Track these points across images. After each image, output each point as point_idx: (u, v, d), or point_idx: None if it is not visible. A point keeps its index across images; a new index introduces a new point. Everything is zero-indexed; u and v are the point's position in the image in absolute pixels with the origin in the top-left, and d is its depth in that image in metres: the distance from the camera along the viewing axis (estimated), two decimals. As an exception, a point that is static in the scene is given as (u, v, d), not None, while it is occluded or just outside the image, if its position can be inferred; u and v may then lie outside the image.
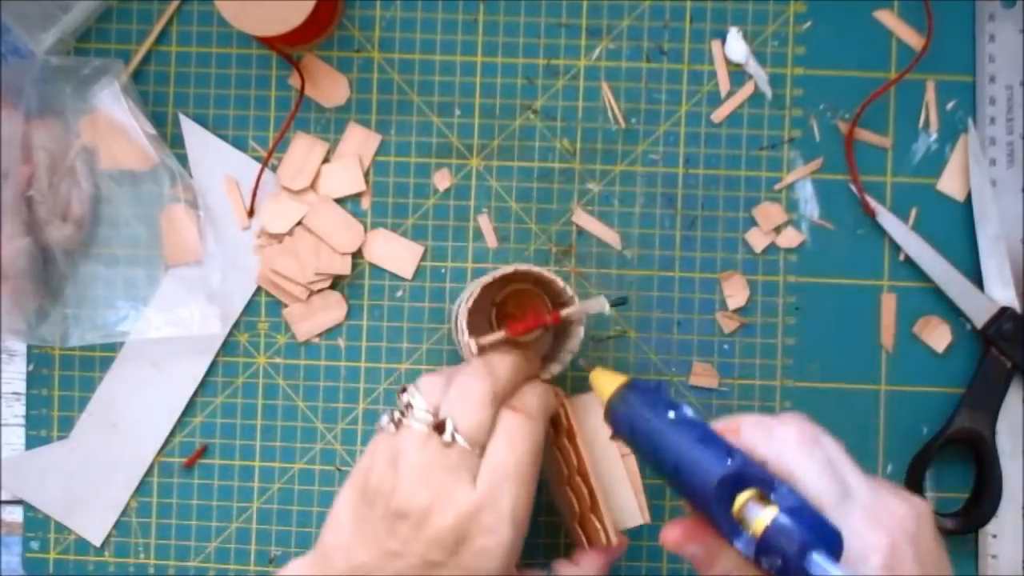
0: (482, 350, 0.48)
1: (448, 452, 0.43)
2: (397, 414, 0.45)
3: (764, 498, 0.37)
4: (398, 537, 0.42)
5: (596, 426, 0.49)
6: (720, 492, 0.37)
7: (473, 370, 0.45)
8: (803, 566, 0.34)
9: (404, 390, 0.45)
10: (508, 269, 0.49)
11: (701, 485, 0.38)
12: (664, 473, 0.40)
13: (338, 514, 0.44)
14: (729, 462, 0.38)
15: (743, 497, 0.37)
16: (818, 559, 0.34)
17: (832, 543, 0.35)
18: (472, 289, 0.50)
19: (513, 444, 0.44)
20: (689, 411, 0.41)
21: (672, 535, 0.40)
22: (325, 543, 0.44)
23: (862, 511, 0.38)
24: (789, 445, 0.40)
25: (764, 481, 0.37)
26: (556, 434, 0.51)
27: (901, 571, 0.37)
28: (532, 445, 0.44)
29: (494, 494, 0.43)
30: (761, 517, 0.36)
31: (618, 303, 0.51)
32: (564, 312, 0.49)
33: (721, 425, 0.41)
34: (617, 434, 0.44)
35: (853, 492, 0.39)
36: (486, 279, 0.49)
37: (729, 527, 0.37)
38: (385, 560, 0.43)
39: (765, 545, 0.35)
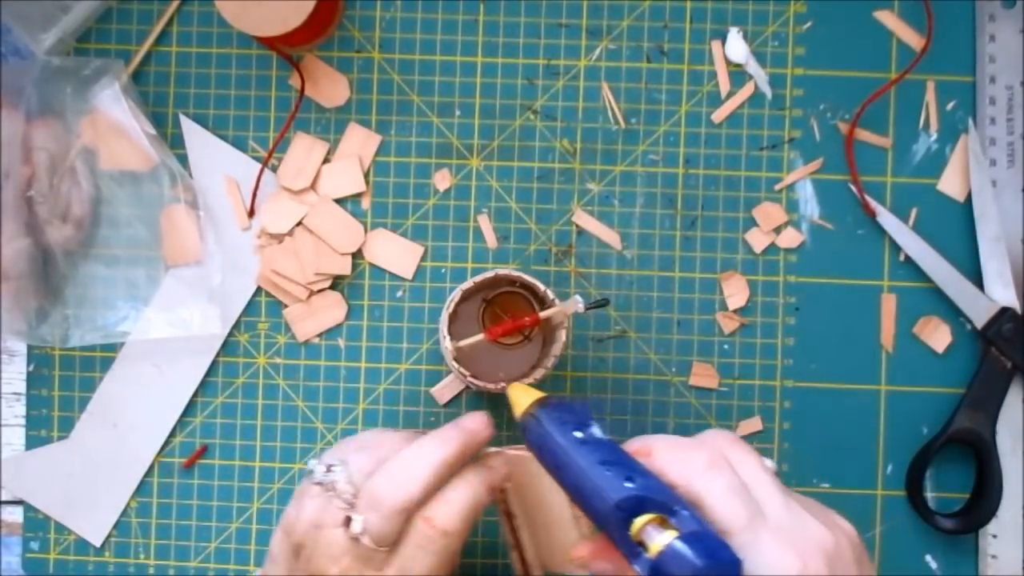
0: (459, 352, 0.48)
1: (358, 545, 0.43)
2: (326, 477, 0.45)
3: (666, 522, 0.37)
4: None
5: (541, 487, 0.47)
6: (618, 515, 0.37)
7: (389, 474, 0.44)
8: None
9: (330, 468, 0.45)
10: (489, 274, 0.50)
11: (600, 507, 0.38)
12: (568, 493, 0.40)
13: (273, 552, 0.46)
14: (629, 485, 0.37)
15: (640, 521, 0.37)
16: None
17: (730, 569, 0.35)
18: (454, 295, 0.50)
19: (421, 557, 0.43)
20: (598, 431, 0.41)
21: (581, 552, 0.41)
22: (267, 572, 0.47)
23: (773, 535, 0.38)
24: (698, 468, 0.40)
25: (664, 505, 0.37)
26: (498, 510, 0.50)
27: None
28: (443, 559, 0.43)
29: None
30: (657, 541, 0.35)
31: (597, 305, 0.51)
32: (542, 314, 0.49)
33: (635, 446, 0.41)
34: (530, 451, 0.44)
35: (767, 516, 0.39)
36: (467, 284, 0.49)
37: (628, 549, 0.37)
38: None
39: (659, 570, 0.35)
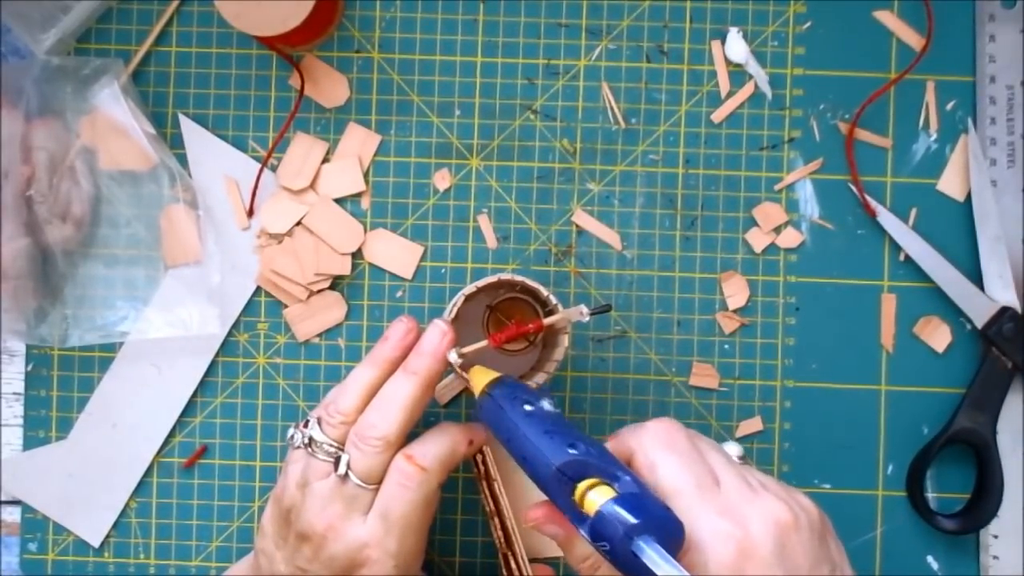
0: (464, 359, 0.48)
1: (345, 486, 0.46)
2: (307, 437, 0.48)
3: (609, 488, 0.37)
4: (303, 556, 0.47)
5: None
6: (560, 479, 0.38)
7: (369, 418, 0.47)
8: (631, 551, 0.34)
9: (307, 424, 0.48)
10: (492, 279, 0.49)
11: (544, 472, 0.39)
12: (518, 463, 0.41)
13: (264, 524, 0.49)
14: (572, 452, 0.38)
15: (583, 485, 0.37)
16: (644, 545, 0.34)
17: (669, 531, 0.35)
18: (456, 299, 0.50)
19: (401, 494, 0.46)
20: (548, 405, 0.43)
21: (534, 514, 0.42)
22: (257, 546, 0.50)
23: (722, 503, 0.39)
24: (657, 437, 0.42)
25: (606, 471, 0.38)
26: (476, 476, 0.52)
27: (755, 562, 0.37)
28: (421, 496, 0.46)
29: (380, 534, 0.46)
30: (594, 502, 0.36)
31: (600, 311, 0.51)
32: (546, 320, 0.49)
33: (609, 439, 0.43)
34: (484, 426, 0.47)
35: (722, 486, 0.40)
36: (469, 289, 0.49)
37: (572, 513, 0.38)
38: (295, 573, 0.47)
39: (595, 530, 0.36)
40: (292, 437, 0.49)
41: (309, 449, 0.47)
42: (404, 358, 0.48)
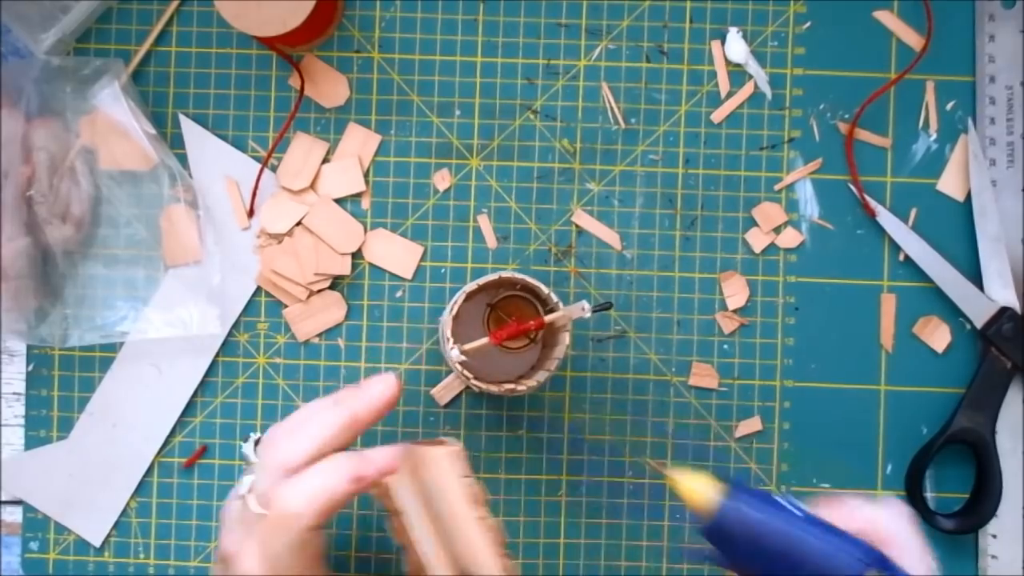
0: (466, 355, 0.48)
1: (246, 510, 0.43)
2: (245, 453, 0.46)
3: None
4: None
5: (445, 486, 0.45)
6: None
7: (277, 433, 0.44)
8: None
9: (247, 439, 0.46)
10: (492, 277, 0.49)
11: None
12: (785, 570, 0.38)
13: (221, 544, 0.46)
14: (863, 557, 0.37)
15: None
16: None
17: None
18: (457, 297, 0.50)
19: (271, 533, 0.42)
20: (802, 503, 0.40)
21: None
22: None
23: None
24: (902, 515, 0.41)
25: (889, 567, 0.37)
26: (387, 512, 0.48)
27: None
28: (288, 540, 0.41)
29: (256, 572, 0.42)
30: None
31: (601, 308, 0.51)
32: (547, 318, 0.49)
33: (824, 504, 0.41)
34: (721, 547, 0.40)
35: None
36: (470, 287, 0.49)
37: None
38: None
39: None
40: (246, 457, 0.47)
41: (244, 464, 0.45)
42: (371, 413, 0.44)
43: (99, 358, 0.58)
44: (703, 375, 0.57)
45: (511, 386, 0.50)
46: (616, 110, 0.58)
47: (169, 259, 0.57)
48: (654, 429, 0.57)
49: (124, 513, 0.58)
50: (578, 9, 0.58)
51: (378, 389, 0.44)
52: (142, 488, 0.58)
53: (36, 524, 0.57)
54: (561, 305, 0.49)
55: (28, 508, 0.57)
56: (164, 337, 0.56)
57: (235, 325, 0.58)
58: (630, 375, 0.58)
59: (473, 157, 0.58)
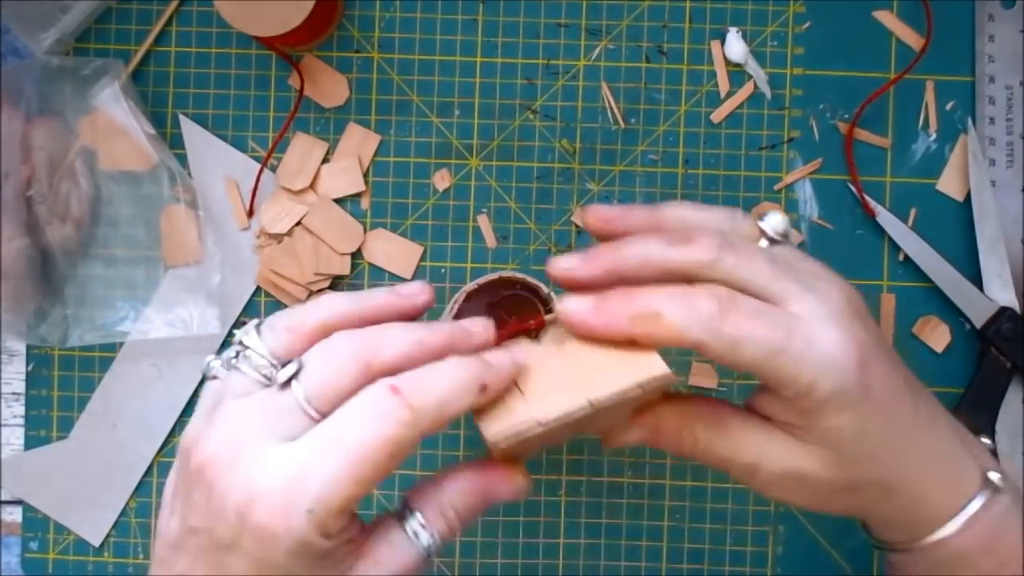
0: None
1: (276, 399, 0.33)
2: (232, 357, 0.36)
3: None
4: (194, 505, 0.33)
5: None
6: None
7: (348, 334, 0.35)
8: None
9: (242, 324, 0.38)
10: (492, 276, 0.49)
11: None
12: None
13: (165, 489, 0.36)
14: None
15: None
16: None
17: None
18: (457, 297, 0.50)
19: (366, 423, 0.32)
20: None
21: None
22: (157, 529, 0.36)
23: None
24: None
25: None
26: None
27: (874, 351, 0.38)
28: (394, 436, 0.33)
29: (304, 466, 0.32)
30: None
31: None
32: (547, 317, 0.49)
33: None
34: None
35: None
36: (470, 286, 0.49)
37: None
38: (184, 539, 0.34)
39: None
40: (209, 365, 0.36)
41: (234, 360, 0.35)
42: (395, 317, 0.37)
43: (99, 358, 0.58)
44: (703, 375, 0.57)
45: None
46: (616, 110, 0.58)
47: (169, 259, 0.57)
48: (654, 429, 0.57)
49: (124, 513, 0.58)
50: (578, 9, 0.58)
51: (408, 288, 0.39)
52: (142, 488, 0.58)
53: (36, 524, 0.58)
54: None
55: (28, 508, 0.58)
56: (164, 337, 0.56)
57: (235, 325, 0.58)
58: None
59: (473, 157, 0.58)
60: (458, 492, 0.37)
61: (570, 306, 0.37)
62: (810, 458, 0.38)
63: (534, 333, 0.53)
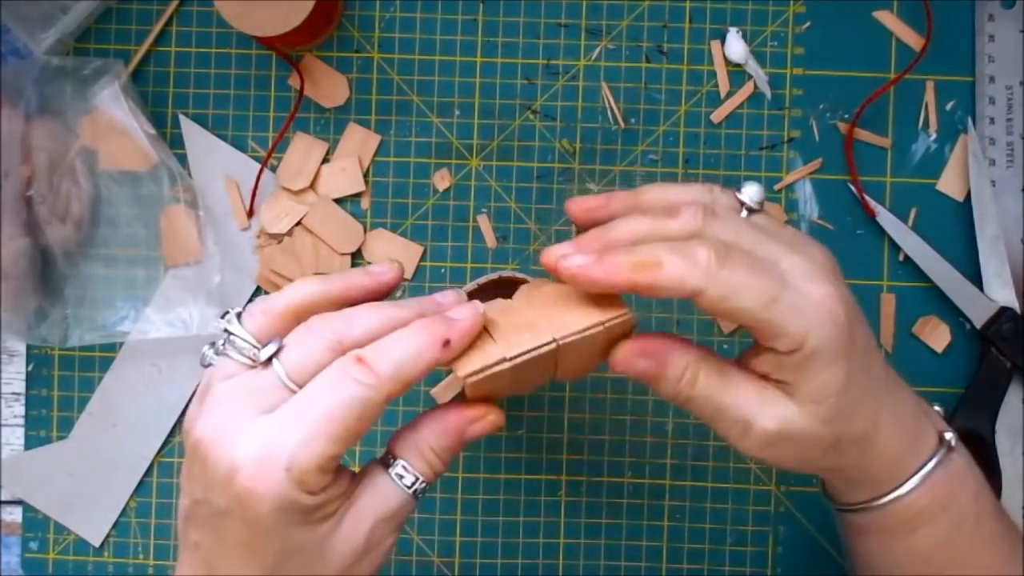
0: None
1: (258, 377, 0.37)
2: (221, 343, 0.39)
3: None
4: (195, 479, 0.37)
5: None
6: None
7: (356, 318, 0.38)
8: None
9: (225, 314, 0.39)
10: (492, 276, 0.49)
11: None
12: None
13: (181, 471, 0.40)
14: None
15: None
16: None
17: None
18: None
19: (335, 386, 0.36)
20: None
21: (622, 354, 0.39)
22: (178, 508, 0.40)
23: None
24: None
25: None
26: None
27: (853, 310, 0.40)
28: (359, 398, 0.35)
29: (280, 430, 0.35)
30: None
31: None
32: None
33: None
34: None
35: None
36: (470, 286, 0.49)
37: None
38: (192, 511, 0.38)
39: None
40: (204, 354, 0.39)
41: (222, 347, 0.38)
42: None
43: (99, 358, 0.58)
44: (703, 375, 0.57)
45: None
46: (616, 110, 0.58)
47: (169, 259, 0.57)
48: (653, 428, 0.57)
49: (124, 513, 0.58)
50: (578, 9, 0.58)
51: (377, 268, 0.41)
52: (142, 488, 0.58)
53: (36, 524, 0.58)
54: None
55: (28, 508, 0.58)
56: (164, 337, 0.56)
57: (235, 325, 0.57)
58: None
59: (473, 157, 0.58)
60: (434, 433, 0.39)
61: (572, 259, 0.38)
62: (802, 415, 0.38)
63: (507, 293, 0.53)
